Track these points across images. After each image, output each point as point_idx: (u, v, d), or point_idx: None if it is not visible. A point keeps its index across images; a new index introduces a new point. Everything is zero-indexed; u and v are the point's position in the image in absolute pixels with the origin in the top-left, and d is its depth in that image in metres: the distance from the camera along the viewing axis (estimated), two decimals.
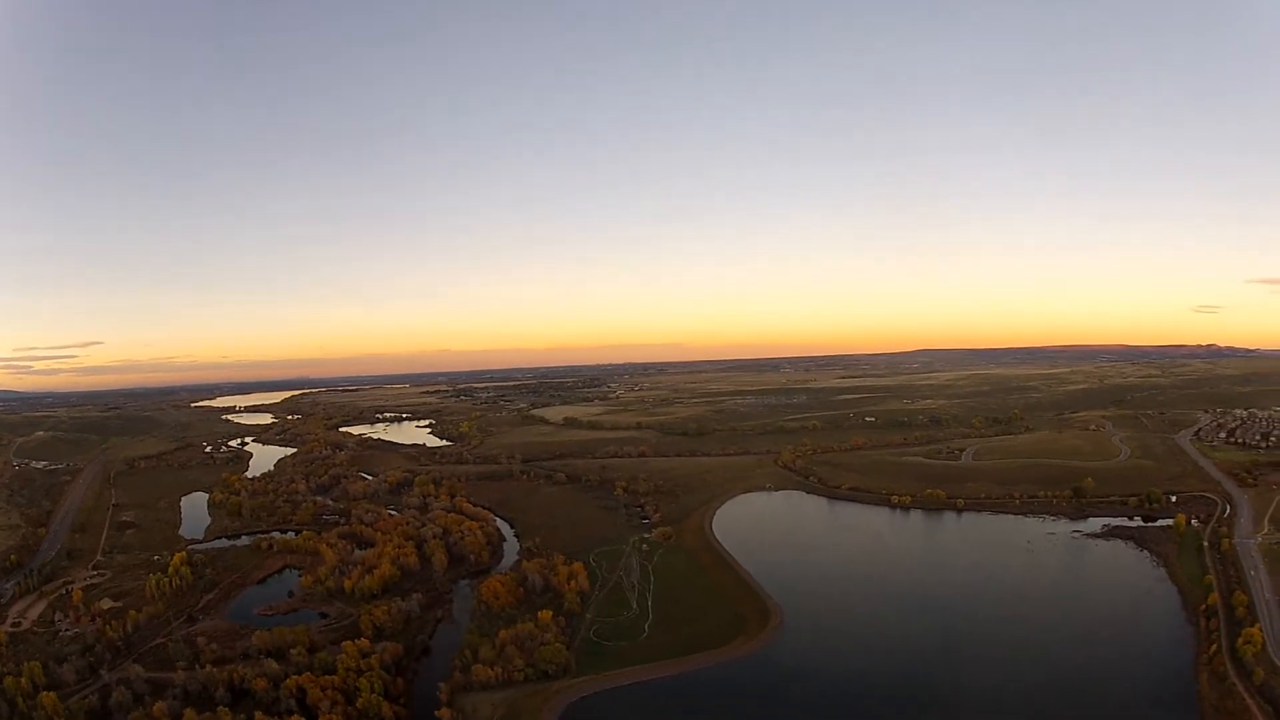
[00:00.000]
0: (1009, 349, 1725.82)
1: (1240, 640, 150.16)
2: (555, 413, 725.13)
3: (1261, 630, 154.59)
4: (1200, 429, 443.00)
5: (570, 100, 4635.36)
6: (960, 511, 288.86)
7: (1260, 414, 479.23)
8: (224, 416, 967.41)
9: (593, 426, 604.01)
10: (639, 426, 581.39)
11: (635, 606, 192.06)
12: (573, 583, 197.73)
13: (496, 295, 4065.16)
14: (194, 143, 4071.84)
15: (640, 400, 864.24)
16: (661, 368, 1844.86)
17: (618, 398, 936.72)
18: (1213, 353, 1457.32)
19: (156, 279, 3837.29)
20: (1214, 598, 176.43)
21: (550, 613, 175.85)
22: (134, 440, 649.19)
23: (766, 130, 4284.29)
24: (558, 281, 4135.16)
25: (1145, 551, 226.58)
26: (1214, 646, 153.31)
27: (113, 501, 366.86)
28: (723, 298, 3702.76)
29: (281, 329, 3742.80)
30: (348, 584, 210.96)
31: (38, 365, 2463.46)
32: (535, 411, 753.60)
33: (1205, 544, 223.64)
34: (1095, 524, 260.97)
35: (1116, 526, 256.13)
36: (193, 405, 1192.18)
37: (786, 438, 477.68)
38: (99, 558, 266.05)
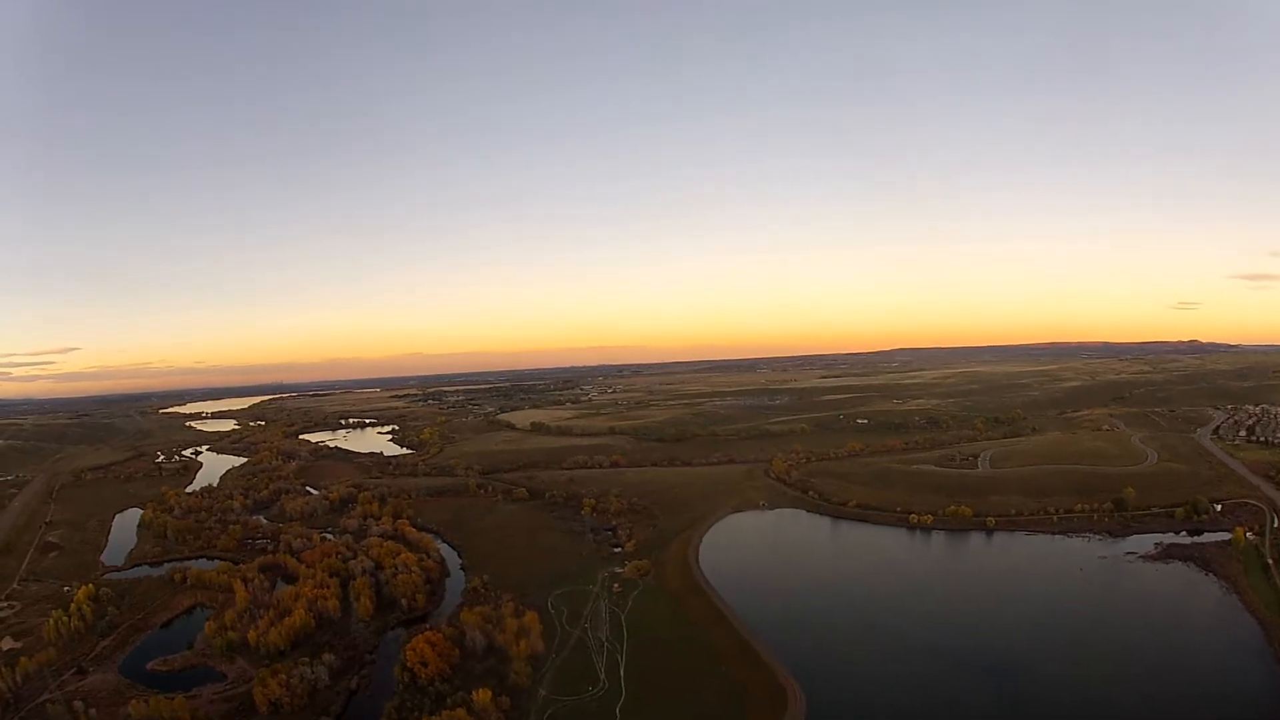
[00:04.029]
0: (987, 347, 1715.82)
1: None
2: (523, 417, 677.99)
3: None
4: (1219, 426, 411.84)
5: (543, 97, 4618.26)
6: (990, 531, 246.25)
7: (1273, 410, 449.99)
8: (188, 423, 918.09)
9: (561, 432, 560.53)
10: (612, 432, 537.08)
11: (604, 679, 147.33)
12: (523, 642, 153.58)
13: (471, 297, 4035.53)
14: (169, 148, 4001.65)
15: (614, 403, 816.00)
16: (636, 369, 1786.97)
17: (590, 400, 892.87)
18: (1196, 348, 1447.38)
19: (133, 284, 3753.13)
20: None
21: (490, 692, 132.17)
22: (90, 449, 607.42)
23: (736, 130, 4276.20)
24: (532, 282, 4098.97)
25: (1210, 574, 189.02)
26: None
27: (46, 519, 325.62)
28: (697, 297, 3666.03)
29: (257, 334, 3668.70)
30: (252, 635, 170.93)
31: (16, 372, 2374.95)
32: (502, 416, 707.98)
33: (1270, 562, 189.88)
34: (1145, 541, 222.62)
35: (1171, 545, 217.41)
36: (160, 412, 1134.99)
37: (774, 443, 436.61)
38: (15, 586, 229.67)
